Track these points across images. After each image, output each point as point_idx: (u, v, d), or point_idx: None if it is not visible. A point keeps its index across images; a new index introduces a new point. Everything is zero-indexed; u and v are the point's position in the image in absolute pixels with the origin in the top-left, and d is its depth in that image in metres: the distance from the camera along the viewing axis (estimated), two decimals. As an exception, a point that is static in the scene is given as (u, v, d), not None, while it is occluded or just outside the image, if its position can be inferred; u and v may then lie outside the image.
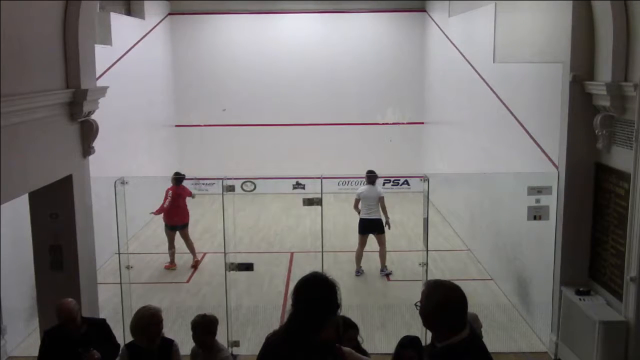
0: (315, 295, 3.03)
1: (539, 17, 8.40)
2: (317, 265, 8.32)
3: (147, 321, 4.91)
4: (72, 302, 5.22)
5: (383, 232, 10.13)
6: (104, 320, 5.58)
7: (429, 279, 7.74)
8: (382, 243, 10.19)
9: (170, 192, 10.37)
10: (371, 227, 10.11)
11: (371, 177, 10.14)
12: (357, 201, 10.16)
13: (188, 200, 10.70)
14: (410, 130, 16.31)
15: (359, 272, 10.25)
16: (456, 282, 3.19)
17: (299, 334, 2.98)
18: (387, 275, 10.17)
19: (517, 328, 8.16)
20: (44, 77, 6.17)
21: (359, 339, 5.08)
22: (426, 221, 7.70)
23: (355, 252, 10.30)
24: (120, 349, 5.26)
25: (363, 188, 10.23)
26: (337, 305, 3.06)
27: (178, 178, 10.50)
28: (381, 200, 10.03)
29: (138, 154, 12.96)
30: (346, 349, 3.10)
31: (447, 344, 3.01)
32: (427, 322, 3.08)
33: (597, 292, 6.79)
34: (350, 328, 4.91)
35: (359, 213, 10.16)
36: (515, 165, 8.95)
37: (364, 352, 4.64)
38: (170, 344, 5.03)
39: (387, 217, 10.09)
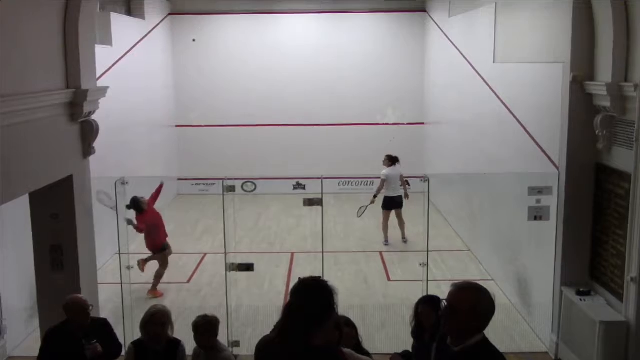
0: (311, 299, 3.00)
1: (539, 17, 8.39)
2: (317, 265, 8.31)
3: (146, 320, 4.97)
4: (83, 297, 5.26)
5: (402, 207, 11.79)
6: (105, 320, 5.58)
7: (430, 279, 7.78)
8: (399, 215, 11.78)
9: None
10: (395, 203, 11.68)
11: (393, 159, 11.70)
12: (383, 182, 11.59)
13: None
14: (410, 131, 16.30)
15: (387, 242, 11.79)
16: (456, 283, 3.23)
17: (295, 339, 2.95)
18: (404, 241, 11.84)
19: (517, 328, 8.16)
20: (44, 77, 6.16)
21: (360, 338, 5.08)
22: (427, 221, 7.71)
23: (382, 225, 11.87)
24: (127, 347, 5.28)
25: (387, 170, 11.64)
26: (334, 310, 3.02)
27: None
28: (401, 178, 11.58)
29: (138, 154, 12.95)
30: (347, 350, 3.08)
31: (465, 346, 3.06)
32: (465, 323, 3.04)
33: (597, 292, 6.79)
34: (346, 327, 4.92)
35: (375, 196, 11.69)
36: (516, 165, 8.95)
37: (365, 352, 4.63)
38: (177, 345, 5.05)
39: (405, 191, 11.68)
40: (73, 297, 5.23)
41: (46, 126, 6.14)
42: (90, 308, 5.20)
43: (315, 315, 2.95)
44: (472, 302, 3.06)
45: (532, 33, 8.72)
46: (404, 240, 11.83)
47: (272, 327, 3.21)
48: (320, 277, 3.14)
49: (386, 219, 11.80)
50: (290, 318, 3.02)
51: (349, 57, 16.14)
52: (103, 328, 5.33)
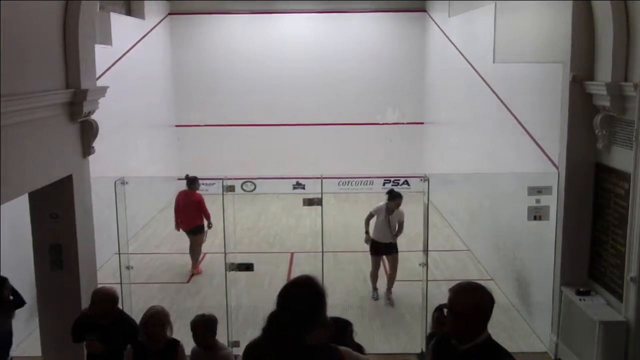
0: (300, 299, 2.96)
1: (539, 17, 8.40)
2: (317, 265, 8.31)
3: (145, 320, 4.99)
4: (109, 290, 5.41)
5: (390, 253, 9.18)
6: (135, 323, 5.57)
7: (430, 278, 7.77)
8: (391, 266, 9.24)
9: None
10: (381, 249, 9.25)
11: (389, 193, 9.05)
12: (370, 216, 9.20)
13: None
14: (410, 130, 16.30)
15: (375, 295, 9.28)
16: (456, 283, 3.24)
17: (286, 339, 2.93)
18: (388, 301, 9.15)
19: (517, 328, 8.16)
20: (44, 77, 6.16)
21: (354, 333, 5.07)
22: (426, 221, 7.70)
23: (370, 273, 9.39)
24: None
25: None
26: (324, 307, 2.98)
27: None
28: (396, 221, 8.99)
29: (138, 154, 12.95)
30: (343, 348, 3.05)
31: (474, 344, 3.07)
32: (471, 325, 3.06)
33: (597, 292, 6.79)
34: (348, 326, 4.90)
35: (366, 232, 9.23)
36: (515, 165, 8.95)
37: (358, 347, 4.63)
38: (175, 345, 5.05)
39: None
40: (100, 288, 5.50)
41: (46, 126, 6.13)
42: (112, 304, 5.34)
43: (302, 317, 2.91)
44: (474, 303, 3.07)
45: (532, 33, 8.72)
46: (387, 298, 9.17)
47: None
48: (307, 275, 3.09)
49: (374, 266, 9.27)
50: (276, 320, 2.99)
51: (349, 56, 16.14)
52: (131, 329, 5.31)
